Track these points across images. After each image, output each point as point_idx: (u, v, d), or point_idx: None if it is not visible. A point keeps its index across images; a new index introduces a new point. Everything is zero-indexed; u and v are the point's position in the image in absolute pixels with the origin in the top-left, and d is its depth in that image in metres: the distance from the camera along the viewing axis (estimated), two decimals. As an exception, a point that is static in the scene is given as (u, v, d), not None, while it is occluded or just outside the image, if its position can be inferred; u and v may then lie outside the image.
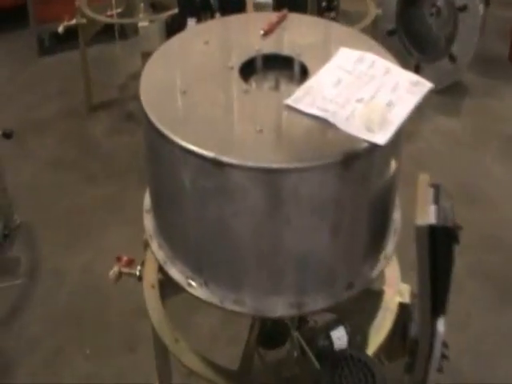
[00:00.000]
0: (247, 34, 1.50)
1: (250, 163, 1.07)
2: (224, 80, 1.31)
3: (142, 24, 2.85)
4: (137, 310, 1.87)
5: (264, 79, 1.40)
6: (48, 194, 2.74)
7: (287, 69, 1.41)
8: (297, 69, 1.40)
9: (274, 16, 1.51)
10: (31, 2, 3.58)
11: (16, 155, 2.85)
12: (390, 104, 1.26)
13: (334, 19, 2.65)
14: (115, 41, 3.44)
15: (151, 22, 2.85)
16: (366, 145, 1.12)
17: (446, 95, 3.26)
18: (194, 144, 1.10)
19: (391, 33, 3.53)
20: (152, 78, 1.30)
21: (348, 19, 3.15)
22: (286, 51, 1.42)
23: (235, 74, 1.32)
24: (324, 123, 1.18)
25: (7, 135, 2.26)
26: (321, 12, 2.74)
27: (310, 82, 1.29)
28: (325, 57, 1.37)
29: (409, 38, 3.55)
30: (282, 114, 1.21)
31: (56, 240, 2.53)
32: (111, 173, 2.85)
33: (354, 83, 1.32)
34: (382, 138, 1.16)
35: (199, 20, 2.12)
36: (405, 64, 1.43)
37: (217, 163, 1.08)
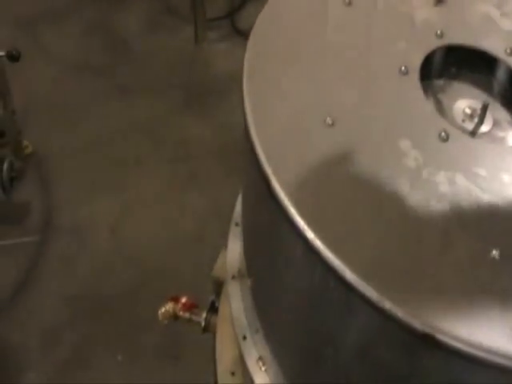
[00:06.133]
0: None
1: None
2: (403, 107, 0.73)
3: None
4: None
5: (455, 97, 0.82)
6: (68, 111, 2.14)
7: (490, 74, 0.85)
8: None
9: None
10: None
11: (29, 54, 2.18)
12: None
13: None
14: None
15: None
16: None
17: None
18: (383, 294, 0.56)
19: None
20: (264, 85, 0.75)
21: None
22: (486, 41, 0.85)
23: (416, 89, 0.74)
24: None
25: (13, 57, 1.64)
26: None
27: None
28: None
29: None
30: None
31: (76, 180, 1.95)
32: (147, 87, 2.24)
33: None
34: None
35: None
36: None
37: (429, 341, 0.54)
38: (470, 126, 0.79)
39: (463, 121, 0.80)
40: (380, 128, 0.71)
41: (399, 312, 0.56)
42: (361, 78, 0.77)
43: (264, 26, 0.83)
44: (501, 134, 0.80)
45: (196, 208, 1.83)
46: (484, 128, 0.79)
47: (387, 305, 0.56)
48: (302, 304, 0.71)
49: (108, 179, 1.96)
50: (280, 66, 0.77)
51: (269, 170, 0.65)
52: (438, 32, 0.84)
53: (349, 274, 0.58)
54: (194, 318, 1.11)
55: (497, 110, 0.83)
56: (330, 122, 0.71)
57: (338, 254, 0.59)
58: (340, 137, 0.70)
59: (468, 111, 0.81)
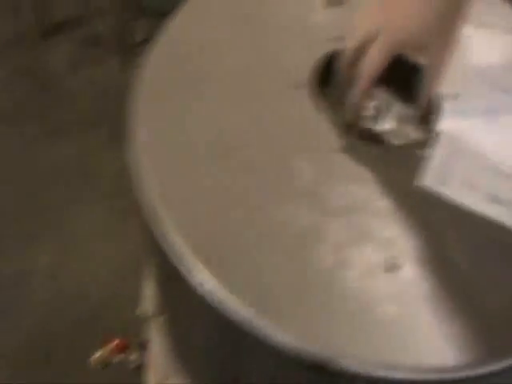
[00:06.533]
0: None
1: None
2: (297, 123, 0.70)
3: None
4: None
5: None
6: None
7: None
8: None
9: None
10: None
11: None
12: None
13: None
14: None
15: None
16: None
17: None
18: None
19: None
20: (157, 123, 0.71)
21: None
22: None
23: (309, 102, 0.72)
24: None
25: None
26: None
27: (449, 122, 0.73)
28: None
29: None
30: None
31: (11, 229, 1.89)
32: (76, 124, 2.18)
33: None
34: None
35: None
36: None
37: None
38: (372, 127, 0.77)
39: (365, 124, 0.77)
40: (273, 149, 0.68)
41: (291, 345, 0.53)
42: (252, 100, 0.74)
43: (155, 53, 0.80)
44: (405, 130, 0.78)
45: (135, 242, 1.78)
46: (387, 126, 0.77)
47: (279, 339, 0.53)
48: (205, 344, 0.67)
49: (44, 223, 1.90)
50: (168, 92, 0.74)
51: (156, 207, 0.62)
52: (333, 36, 0.81)
53: (238, 313, 0.54)
54: (126, 359, 1.08)
55: (400, 107, 0.80)
56: (221, 151, 0.67)
57: (228, 293, 0.56)
58: (232, 164, 0.66)
59: (371, 113, 0.78)
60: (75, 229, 1.88)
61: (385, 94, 0.80)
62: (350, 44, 0.72)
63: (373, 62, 0.69)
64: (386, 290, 0.58)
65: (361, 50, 0.71)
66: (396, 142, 0.76)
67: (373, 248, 0.60)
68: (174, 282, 0.64)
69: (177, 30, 0.82)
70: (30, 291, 1.75)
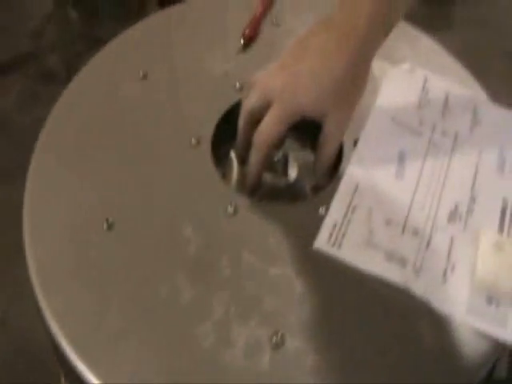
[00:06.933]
0: (212, 46, 0.84)
1: None
2: (191, 186, 0.68)
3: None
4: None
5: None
6: None
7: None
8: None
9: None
10: None
11: None
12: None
13: None
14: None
15: None
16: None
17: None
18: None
19: None
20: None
21: None
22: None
23: (206, 162, 0.69)
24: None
25: None
26: None
27: (346, 182, 0.70)
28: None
29: None
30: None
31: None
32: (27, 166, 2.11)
33: (430, 160, 0.73)
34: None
35: None
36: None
37: None
38: (275, 183, 0.74)
39: (267, 180, 0.75)
40: (163, 216, 0.66)
41: None
42: (150, 163, 0.71)
43: (51, 118, 0.77)
44: (309, 184, 0.75)
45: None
46: (291, 181, 0.75)
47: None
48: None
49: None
50: (64, 165, 0.71)
51: (37, 295, 0.60)
52: (237, 85, 0.79)
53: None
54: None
55: (305, 156, 0.77)
56: (106, 226, 0.65)
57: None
58: (119, 240, 0.64)
59: (273, 168, 0.76)
60: (23, 276, 1.83)
61: (289, 141, 0.77)
62: (245, 107, 0.69)
63: (267, 130, 0.66)
64: (271, 366, 0.55)
65: (257, 114, 0.68)
66: (300, 198, 0.74)
67: (259, 322, 0.58)
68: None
69: (75, 91, 0.79)
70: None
